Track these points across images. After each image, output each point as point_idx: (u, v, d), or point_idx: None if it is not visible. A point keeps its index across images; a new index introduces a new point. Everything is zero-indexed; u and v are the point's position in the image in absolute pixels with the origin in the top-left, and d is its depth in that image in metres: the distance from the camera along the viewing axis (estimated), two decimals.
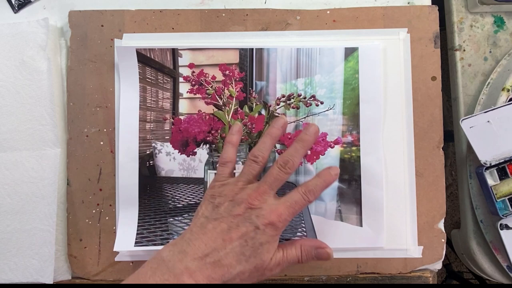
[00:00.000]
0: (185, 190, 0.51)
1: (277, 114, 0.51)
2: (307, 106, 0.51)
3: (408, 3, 0.52)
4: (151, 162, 0.51)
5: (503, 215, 0.48)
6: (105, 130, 0.51)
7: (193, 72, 0.51)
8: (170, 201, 0.50)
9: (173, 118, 0.51)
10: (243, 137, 0.50)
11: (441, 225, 0.50)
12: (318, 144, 0.50)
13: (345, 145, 0.50)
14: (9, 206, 0.49)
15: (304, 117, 0.50)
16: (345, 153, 0.50)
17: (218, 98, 0.51)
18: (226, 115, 0.50)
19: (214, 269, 0.35)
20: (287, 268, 0.42)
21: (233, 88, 0.51)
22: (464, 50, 0.53)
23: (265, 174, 0.39)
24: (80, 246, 0.50)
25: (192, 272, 0.34)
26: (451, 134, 0.55)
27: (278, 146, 0.50)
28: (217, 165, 0.41)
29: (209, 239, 0.35)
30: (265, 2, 0.53)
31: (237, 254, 0.35)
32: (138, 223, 0.49)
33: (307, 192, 0.38)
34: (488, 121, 0.47)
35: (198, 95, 0.51)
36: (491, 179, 0.49)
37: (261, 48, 0.51)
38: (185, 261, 0.34)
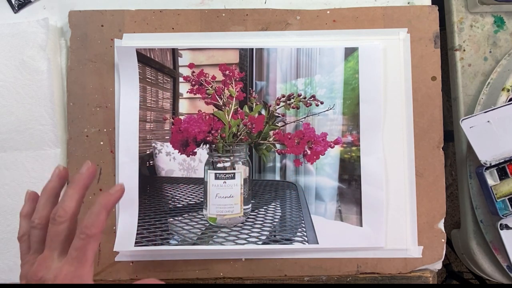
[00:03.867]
0: (185, 190, 0.51)
1: (277, 114, 0.51)
2: (307, 106, 0.51)
3: (408, 3, 0.52)
4: (151, 162, 0.51)
5: (503, 215, 0.48)
6: (105, 130, 0.51)
7: (193, 72, 0.51)
8: (170, 201, 0.50)
9: (173, 118, 0.51)
10: (243, 137, 0.50)
11: (441, 225, 0.50)
12: (318, 144, 0.50)
13: (345, 145, 0.50)
14: (9, 206, 0.49)
15: (304, 117, 0.50)
16: (345, 153, 0.50)
17: (218, 98, 0.51)
18: (226, 115, 0.50)
19: None
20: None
21: (233, 88, 0.51)
22: (464, 50, 0.53)
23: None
24: None
25: None
26: (451, 134, 0.55)
27: (278, 146, 0.50)
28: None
29: None
30: (265, 2, 0.53)
31: None
32: (138, 223, 0.49)
33: (84, 230, 0.33)
34: (488, 121, 0.47)
35: (198, 95, 0.51)
36: (491, 179, 0.49)
37: (261, 48, 0.51)
38: None
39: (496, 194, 0.48)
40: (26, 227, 0.36)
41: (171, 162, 0.51)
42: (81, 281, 0.33)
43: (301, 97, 0.51)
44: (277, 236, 0.49)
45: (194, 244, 0.49)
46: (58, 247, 0.34)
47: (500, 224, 0.49)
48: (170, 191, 0.51)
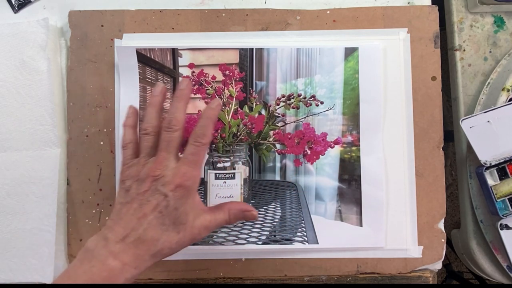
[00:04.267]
0: None
1: (277, 114, 0.51)
2: (307, 106, 0.51)
3: (408, 3, 0.52)
4: None
5: (503, 215, 0.48)
6: (105, 130, 0.51)
7: (193, 72, 0.51)
8: None
9: None
10: (243, 137, 0.50)
11: (441, 225, 0.50)
12: (318, 144, 0.50)
13: (345, 145, 0.50)
14: (9, 206, 0.49)
15: (304, 117, 0.50)
16: (345, 153, 0.50)
17: (218, 98, 0.51)
18: (226, 115, 0.50)
19: (138, 246, 0.36)
20: (216, 228, 0.42)
21: (233, 88, 0.51)
22: (464, 50, 0.53)
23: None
24: (80, 246, 0.50)
25: (116, 254, 0.35)
26: (451, 134, 0.55)
27: (278, 146, 0.50)
28: (121, 150, 0.41)
29: (126, 222, 0.37)
30: (265, 2, 0.53)
31: (156, 226, 0.36)
32: None
33: (197, 139, 0.38)
34: (488, 121, 0.47)
35: (198, 95, 0.51)
36: (491, 179, 0.49)
37: (261, 48, 0.51)
38: (108, 246, 0.36)
39: (496, 194, 0.48)
40: (131, 136, 0.42)
41: None
42: (195, 180, 0.38)
43: (301, 97, 0.51)
44: (277, 236, 0.49)
45: (194, 244, 0.49)
46: (173, 150, 0.38)
47: (500, 224, 0.49)
48: None
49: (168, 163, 0.38)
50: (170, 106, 0.40)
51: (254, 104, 0.51)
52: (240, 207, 0.41)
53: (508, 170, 0.48)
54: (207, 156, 0.50)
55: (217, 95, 0.51)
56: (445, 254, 0.50)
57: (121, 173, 0.40)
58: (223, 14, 0.51)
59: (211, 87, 0.51)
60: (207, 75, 0.51)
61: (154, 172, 0.37)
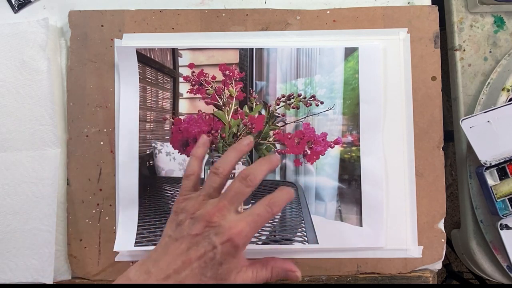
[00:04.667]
0: None
1: (277, 114, 0.51)
2: (307, 106, 0.51)
3: (408, 3, 0.52)
4: (151, 162, 0.51)
5: (503, 215, 0.48)
6: (105, 130, 0.51)
7: (193, 72, 0.51)
8: (170, 201, 0.50)
9: (173, 118, 0.51)
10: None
11: (441, 225, 0.50)
12: (318, 144, 0.50)
13: (345, 145, 0.50)
14: (9, 206, 0.49)
15: (304, 117, 0.50)
16: (345, 153, 0.50)
17: (218, 98, 0.51)
18: (226, 115, 0.50)
19: None
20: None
21: (233, 88, 0.51)
22: (464, 50, 0.53)
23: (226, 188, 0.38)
24: (80, 246, 0.50)
25: None
26: (451, 134, 0.55)
27: (278, 146, 0.50)
28: (182, 179, 0.40)
29: (171, 260, 0.35)
30: (265, 2, 0.53)
31: (197, 275, 0.35)
32: (138, 223, 0.49)
33: (271, 204, 0.36)
34: (488, 121, 0.47)
35: (198, 95, 0.51)
36: (491, 179, 0.49)
37: (261, 48, 0.51)
38: (149, 282, 0.35)
39: (496, 194, 0.48)
40: (196, 168, 0.40)
41: (171, 162, 0.51)
42: (246, 241, 0.36)
43: (301, 97, 0.51)
44: (277, 236, 0.49)
45: None
46: (236, 204, 0.37)
47: (500, 224, 0.49)
48: (170, 191, 0.51)
49: (227, 213, 0.36)
50: (256, 162, 0.38)
51: (254, 104, 0.51)
52: (284, 266, 0.39)
53: (508, 170, 0.48)
54: (207, 156, 0.50)
55: (217, 95, 0.51)
56: (445, 254, 0.50)
57: (176, 202, 0.39)
58: (223, 14, 0.51)
59: (211, 87, 0.51)
60: (207, 75, 0.51)
61: (211, 217, 0.35)
